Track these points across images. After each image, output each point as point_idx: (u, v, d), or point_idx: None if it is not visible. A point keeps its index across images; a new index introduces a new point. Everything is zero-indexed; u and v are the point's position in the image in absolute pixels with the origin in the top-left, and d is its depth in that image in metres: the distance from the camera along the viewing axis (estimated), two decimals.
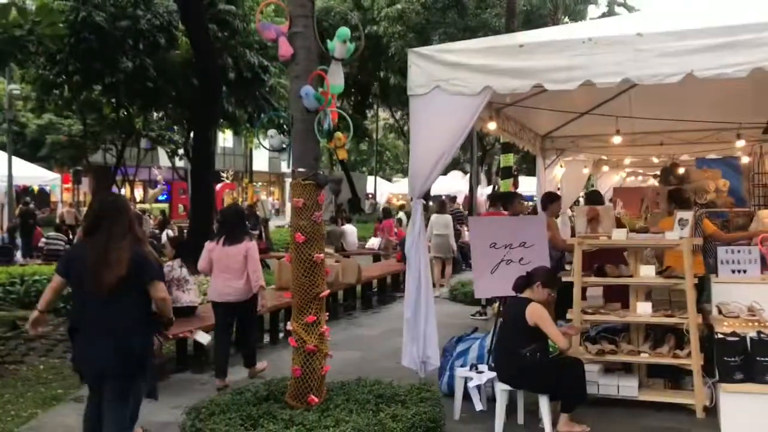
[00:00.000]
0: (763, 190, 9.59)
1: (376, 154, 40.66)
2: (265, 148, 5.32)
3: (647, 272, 5.62)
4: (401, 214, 18.19)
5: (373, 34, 22.88)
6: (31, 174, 21.22)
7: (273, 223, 20.61)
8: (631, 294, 5.79)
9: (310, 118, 4.91)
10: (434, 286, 8.14)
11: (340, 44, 4.95)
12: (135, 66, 14.17)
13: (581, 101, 8.12)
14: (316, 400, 4.85)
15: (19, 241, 15.43)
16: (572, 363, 5.00)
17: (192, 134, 17.43)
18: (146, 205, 28.56)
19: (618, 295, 5.98)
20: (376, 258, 15.34)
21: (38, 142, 27.07)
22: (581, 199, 16.10)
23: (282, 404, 4.92)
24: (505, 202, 7.44)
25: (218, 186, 29.26)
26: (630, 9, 30.11)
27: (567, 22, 25.24)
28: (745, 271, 5.47)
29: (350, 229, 17.10)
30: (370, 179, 35.96)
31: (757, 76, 4.75)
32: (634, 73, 4.96)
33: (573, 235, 8.28)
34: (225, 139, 39.24)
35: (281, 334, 8.25)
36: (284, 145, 5.15)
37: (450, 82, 5.41)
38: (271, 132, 5.21)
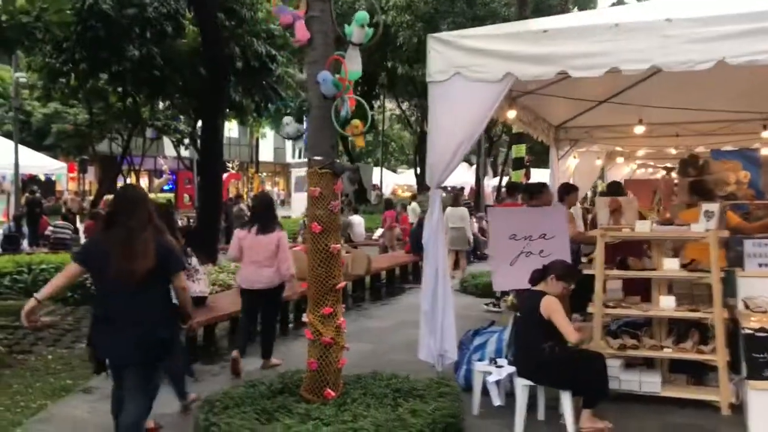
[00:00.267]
0: None
1: (383, 145, 40.47)
2: (281, 136, 5.19)
3: (671, 265, 5.46)
4: (414, 204, 18.09)
5: (381, 23, 22.63)
6: (36, 163, 21.09)
7: (278, 213, 20.47)
8: (653, 287, 5.64)
9: (327, 105, 4.79)
10: None
11: (358, 29, 4.81)
12: (142, 54, 14.01)
13: (596, 92, 7.97)
14: (333, 394, 4.74)
15: (25, 229, 15.35)
16: (592, 357, 4.90)
17: (199, 124, 17.29)
18: (152, 195, 28.38)
19: (637, 288, 5.83)
20: (384, 249, 15.25)
21: (44, 131, 26.94)
22: (589, 193, 15.96)
23: (297, 398, 4.83)
24: (533, 192, 7.20)
25: (224, 176, 29.14)
26: None
27: None
28: None
29: (357, 220, 17.03)
30: (376, 170, 35.77)
31: None
32: (662, 60, 4.81)
33: (586, 227, 8.17)
34: (230, 129, 39.13)
35: (290, 325, 8.13)
36: (300, 133, 5.02)
37: (470, 68, 5.28)
38: (287, 119, 5.04)
